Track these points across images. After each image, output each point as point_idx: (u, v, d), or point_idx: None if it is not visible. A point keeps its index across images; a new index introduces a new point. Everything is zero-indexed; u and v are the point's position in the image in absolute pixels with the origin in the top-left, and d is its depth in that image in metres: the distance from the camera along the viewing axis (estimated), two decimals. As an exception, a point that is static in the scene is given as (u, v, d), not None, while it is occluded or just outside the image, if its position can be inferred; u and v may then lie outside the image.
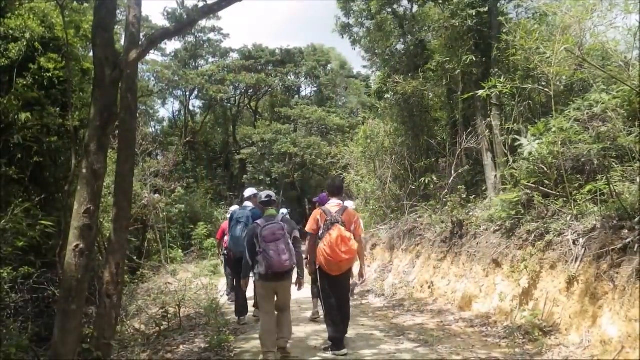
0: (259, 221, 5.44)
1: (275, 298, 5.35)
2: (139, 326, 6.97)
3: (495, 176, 8.42)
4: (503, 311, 6.03)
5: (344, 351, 5.31)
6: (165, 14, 26.43)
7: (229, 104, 32.51)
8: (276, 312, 5.37)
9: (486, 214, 7.25)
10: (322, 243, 5.43)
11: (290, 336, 5.42)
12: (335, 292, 5.51)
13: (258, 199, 6.19)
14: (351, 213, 5.75)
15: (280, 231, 5.24)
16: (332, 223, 5.47)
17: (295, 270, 5.39)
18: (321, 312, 6.18)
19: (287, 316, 5.44)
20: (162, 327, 6.52)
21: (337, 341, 5.38)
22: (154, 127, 31.61)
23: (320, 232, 5.55)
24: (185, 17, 10.31)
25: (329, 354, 5.36)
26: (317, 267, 5.58)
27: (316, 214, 5.72)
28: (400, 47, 12.94)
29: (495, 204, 7.06)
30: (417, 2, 12.11)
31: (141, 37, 5.25)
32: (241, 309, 6.93)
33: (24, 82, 7.14)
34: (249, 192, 7.15)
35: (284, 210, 10.56)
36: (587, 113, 6.21)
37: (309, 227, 5.78)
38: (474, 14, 9.20)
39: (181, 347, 5.84)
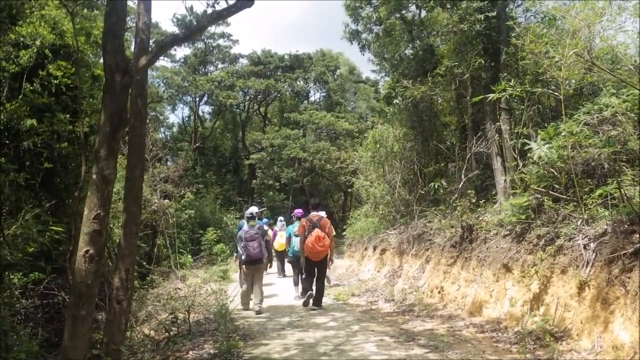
0: (244, 227, 8.89)
1: (253, 277, 8.68)
2: (148, 332, 6.99)
3: (505, 180, 8.37)
4: (514, 316, 5.98)
5: (313, 308, 8.42)
6: (175, 20, 26.67)
7: (238, 110, 32.67)
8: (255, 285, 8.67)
9: (496, 218, 7.20)
10: (307, 240, 8.33)
11: (262, 300, 8.59)
12: (315, 272, 8.62)
13: (245, 215, 9.38)
14: (325, 220, 8.67)
15: (255, 235, 8.60)
16: (313, 227, 8.41)
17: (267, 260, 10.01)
18: (299, 295, 9.54)
19: (260, 287, 8.70)
20: (171, 333, 6.53)
21: (305, 291, 8.70)
22: (164, 132, 31.87)
23: (306, 233, 8.42)
24: (195, 23, 10.39)
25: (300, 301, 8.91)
26: (305, 256, 8.49)
27: (302, 222, 8.87)
28: (408, 52, 12.95)
29: (505, 208, 7.01)
30: (425, 8, 12.09)
31: (151, 43, 5.28)
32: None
33: (33, 88, 7.21)
34: (253, 210, 9.75)
35: (281, 218, 13.70)
36: (597, 117, 6.15)
37: (299, 231, 9.07)
38: (482, 18, 9.18)
39: (190, 352, 5.84)
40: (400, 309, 8.00)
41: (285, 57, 31.21)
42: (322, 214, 9.08)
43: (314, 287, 8.62)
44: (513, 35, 8.16)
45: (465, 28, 9.48)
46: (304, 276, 8.89)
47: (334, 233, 9.41)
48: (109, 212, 4.44)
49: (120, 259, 4.76)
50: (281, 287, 11.56)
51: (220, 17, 5.57)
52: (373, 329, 6.68)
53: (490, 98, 7.43)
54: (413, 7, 12.76)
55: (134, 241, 4.90)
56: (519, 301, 5.95)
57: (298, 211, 11.01)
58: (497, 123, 8.96)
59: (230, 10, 5.04)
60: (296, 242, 9.89)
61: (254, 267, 8.65)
